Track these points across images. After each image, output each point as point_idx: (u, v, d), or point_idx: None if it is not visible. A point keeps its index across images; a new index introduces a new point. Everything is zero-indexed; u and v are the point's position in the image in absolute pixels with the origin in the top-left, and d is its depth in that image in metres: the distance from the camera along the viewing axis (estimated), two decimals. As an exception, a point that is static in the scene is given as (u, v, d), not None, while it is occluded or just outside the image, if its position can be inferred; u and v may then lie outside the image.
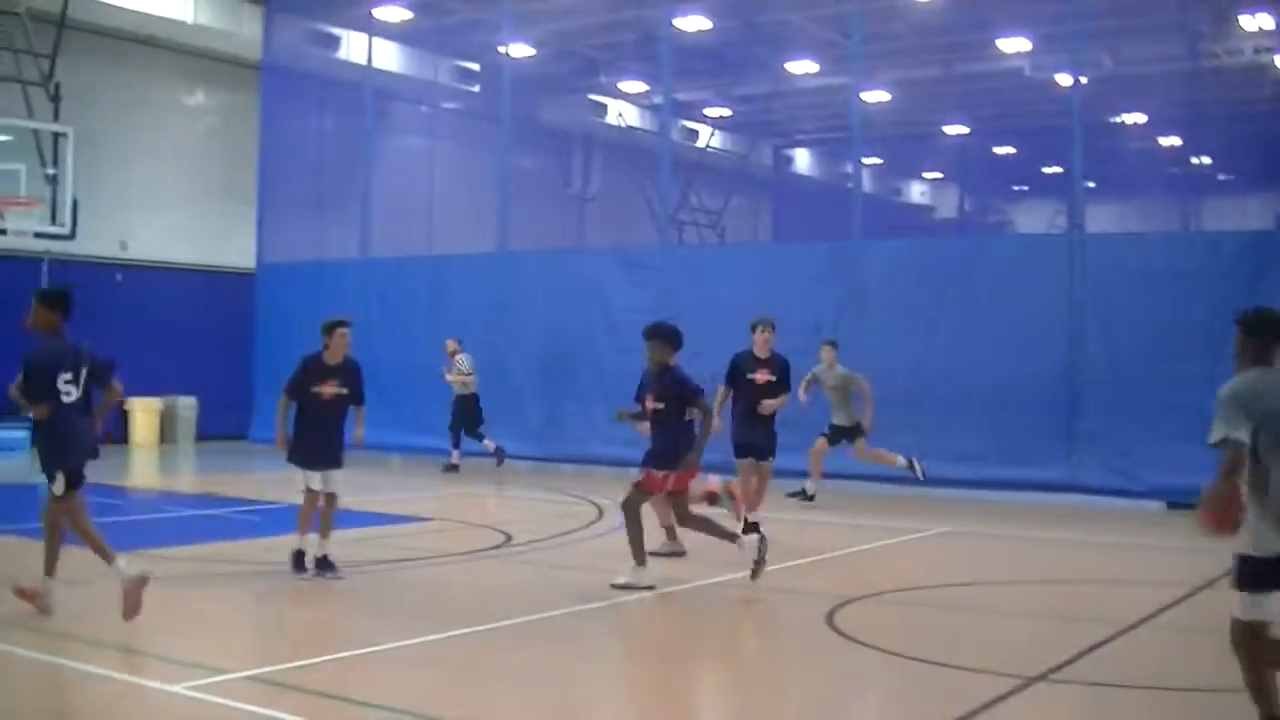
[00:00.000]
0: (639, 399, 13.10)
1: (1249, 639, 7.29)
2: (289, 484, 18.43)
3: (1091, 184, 27.83)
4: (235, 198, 32.33)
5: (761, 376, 15.93)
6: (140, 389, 30.10)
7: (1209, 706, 8.64)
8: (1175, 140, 37.63)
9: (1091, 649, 10.09)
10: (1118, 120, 37.01)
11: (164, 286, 31.10)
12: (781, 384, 16.04)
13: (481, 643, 10.28)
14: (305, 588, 12.60)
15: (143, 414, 30.11)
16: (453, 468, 23.96)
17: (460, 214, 31.26)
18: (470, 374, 23.83)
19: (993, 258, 22.45)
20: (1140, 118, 37.20)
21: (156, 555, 13.97)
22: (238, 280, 31.17)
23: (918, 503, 20.26)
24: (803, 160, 47.25)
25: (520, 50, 31.14)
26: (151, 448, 29.68)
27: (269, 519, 17.30)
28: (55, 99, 23.62)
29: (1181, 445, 19.59)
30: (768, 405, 15.82)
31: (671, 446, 12.62)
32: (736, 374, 15.89)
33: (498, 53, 29.83)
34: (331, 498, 12.96)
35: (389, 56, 32.24)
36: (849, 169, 28.29)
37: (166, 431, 30.45)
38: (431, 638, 10.28)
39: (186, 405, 30.75)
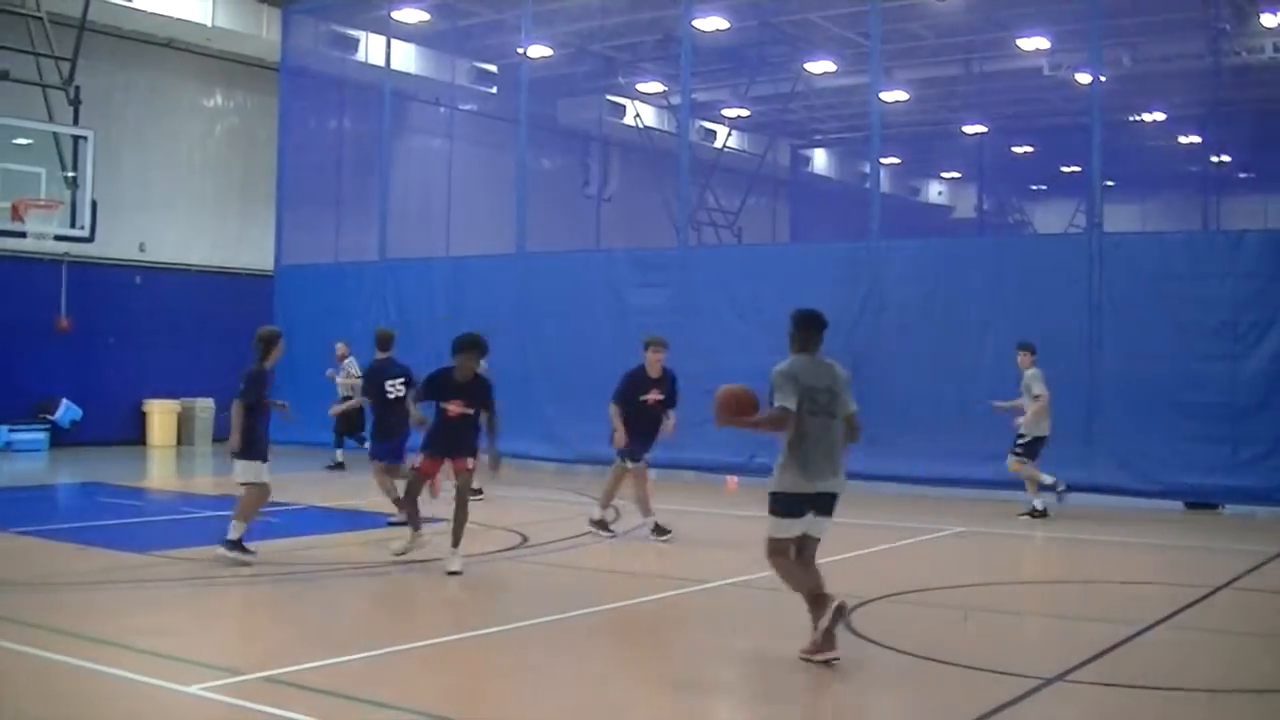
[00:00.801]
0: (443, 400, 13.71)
1: (775, 552, 9.85)
2: (307, 486, 18.53)
3: (1110, 183, 27.75)
4: (253, 200, 32.42)
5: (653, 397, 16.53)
6: (158, 390, 30.24)
7: (1227, 707, 8.61)
8: (1195, 138, 37.45)
9: (1109, 649, 10.06)
10: (1137, 119, 36.88)
11: (182, 288, 31.18)
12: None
13: (498, 644, 10.29)
14: (321, 589, 12.63)
15: (160, 415, 30.19)
16: (338, 465, 24.48)
17: (478, 215, 31.28)
18: (359, 378, 23.73)
19: (1011, 257, 22.38)
20: (1160, 116, 37.07)
21: (175, 556, 14.02)
22: (256, 282, 31.23)
23: (933, 503, 20.24)
24: (820, 160, 47.20)
25: (538, 51, 31.16)
26: (168, 449, 29.75)
27: (287, 520, 17.32)
28: (75, 102, 23.65)
29: (1200, 446, 19.62)
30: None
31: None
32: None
33: (516, 54, 29.85)
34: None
35: (407, 58, 32.27)
36: (867, 169, 28.24)
37: (183, 433, 30.52)
38: (448, 639, 10.29)
39: (204, 407, 30.81)
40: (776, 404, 9.75)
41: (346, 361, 24.14)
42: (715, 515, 19.30)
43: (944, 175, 50.71)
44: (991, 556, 15.95)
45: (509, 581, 13.42)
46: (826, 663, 9.32)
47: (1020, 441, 18.50)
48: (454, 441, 13.56)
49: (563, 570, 14.11)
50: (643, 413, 16.28)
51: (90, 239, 23.93)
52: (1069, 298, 20.81)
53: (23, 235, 22.94)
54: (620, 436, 16.15)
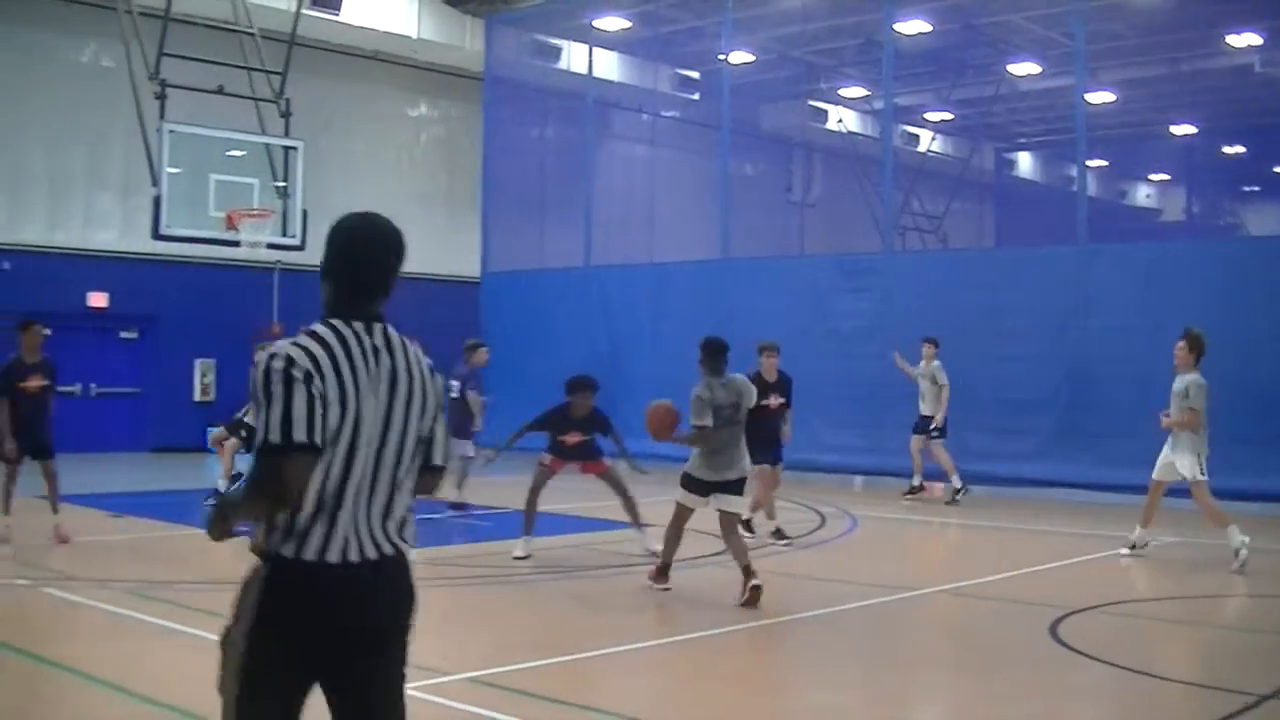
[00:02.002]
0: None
1: (679, 516, 12.58)
2: (516, 489, 18.71)
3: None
4: (459, 207, 32.85)
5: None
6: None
7: None
8: None
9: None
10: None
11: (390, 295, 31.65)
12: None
13: (701, 648, 10.30)
14: (526, 592, 12.75)
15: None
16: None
17: (681, 221, 31.36)
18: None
19: (1221, 261, 21.83)
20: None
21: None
22: (461, 288, 31.62)
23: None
24: (1025, 163, 46.57)
25: (740, 57, 31.16)
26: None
27: (496, 523, 17.51)
28: (286, 114, 24.09)
29: None
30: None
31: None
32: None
33: (717, 60, 29.89)
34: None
35: (609, 66, 32.47)
36: (1073, 172, 27.74)
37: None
38: (651, 643, 10.33)
39: (412, 412, 31.24)
40: (694, 424, 12.22)
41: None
42: (922, 523, 19.10)
43: (1152, 177, 49.68)
44: (1208, 567, 15.56)
45: (711, 586, 13.42)
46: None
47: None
48: (576, 453, 15.04)
49: (769, 577, 14.05)
50: (763, 418, 16.23)
51: (301, 247, 24.35)
52: (1281, 302, 20.26)
53: (237, 244, 23.43)
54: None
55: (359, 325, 4.46)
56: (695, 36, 32.39)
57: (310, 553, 4.23)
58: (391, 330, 4.57)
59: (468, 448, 19.04)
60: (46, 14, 27.33)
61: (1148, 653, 10.51)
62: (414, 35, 30.38)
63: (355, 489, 4.29)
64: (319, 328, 4.42)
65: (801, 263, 28.04)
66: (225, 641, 4.39)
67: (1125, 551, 15.56)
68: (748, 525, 16.26)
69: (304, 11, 25.44)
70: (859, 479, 24.58)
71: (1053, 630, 10.69)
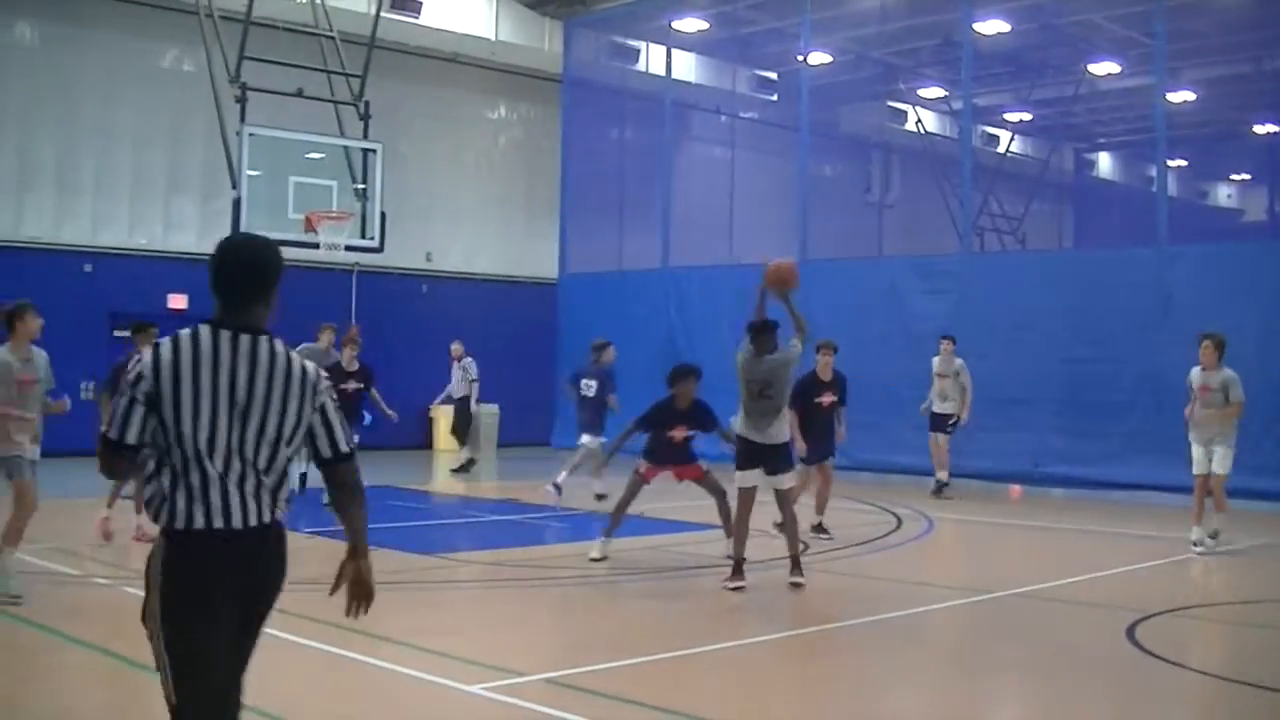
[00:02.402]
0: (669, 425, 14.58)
1: (744, 502, 12.70)
2: (589, 490, 18.72)
3: None
4: (537, 209, 32.95)
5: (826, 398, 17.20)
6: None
7: None
8: None
9: None
10: None
11: (467, 296, 31.82)
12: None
13: (776, 650, 10.26)
14: (603, 593, 12.76)
15: (446, 420, 30.79)
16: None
17: (759, 223, 31.29)
18: (476, 379, 24.15)
19: (1304, 261, 21.61)
20: None
21: (460, 559, 14.31)
22: (539, 290, 31.73)
23: (1230, 516, 19.57)
24: (1105, 164, 46.19)
25: (818, 58, 31.06)
26: (454, 454, 30.34)
27: (573, 525, 17.53)
28: (365, 117, 24.27)
29: None
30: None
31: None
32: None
33: (795, 61, 29.82)
34: None
35: (687, 67, 32.48)
36: (1153, 172, 27.48)
37: (470, 437, 31.08)
38: (726, 645, 10.30)
39: (489, 413, 31.35)
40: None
41: (466, 361, 24.34)
42: (999, 525, 18.97)
43: (1234, 177, 49.12)
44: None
45: (787, 589, 13.38)
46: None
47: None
48: (675, 455, 14.71)
49: (844, 578, 14.01)
50: (816, 415, 16.33)
51: (380, 249, 24.52)
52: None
53: (316, 246, 23.58)
54: (800, 444, 16.17)
55: (226, 334, 5.14)
56: (773, 38, 32.33)
57: (181, 521, 5.00)
58: (264, 339, 5.18)
59: (596, 441, 19.51)
60: (130, 19, 27.61)
61: (1228, 657, 10.39)
62: (493, 37, 30.51)
63: (221, 471, 5.03)
64: (183, 334, 5.20)
65: (879, 264, 27.92)
66: (148, 588, 5.13)
67: (1197, 550, 15.75)
68: (821, 528, 16.51)
69: (383, 14, 25.61)
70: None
71: (1130, 634, 10.58)
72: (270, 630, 9.69)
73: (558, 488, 19.13)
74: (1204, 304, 21.13)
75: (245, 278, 5.26)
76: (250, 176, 22.45)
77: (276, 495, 5.21)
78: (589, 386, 19.86)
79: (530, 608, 12.11)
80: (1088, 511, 18.67)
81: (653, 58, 31.15)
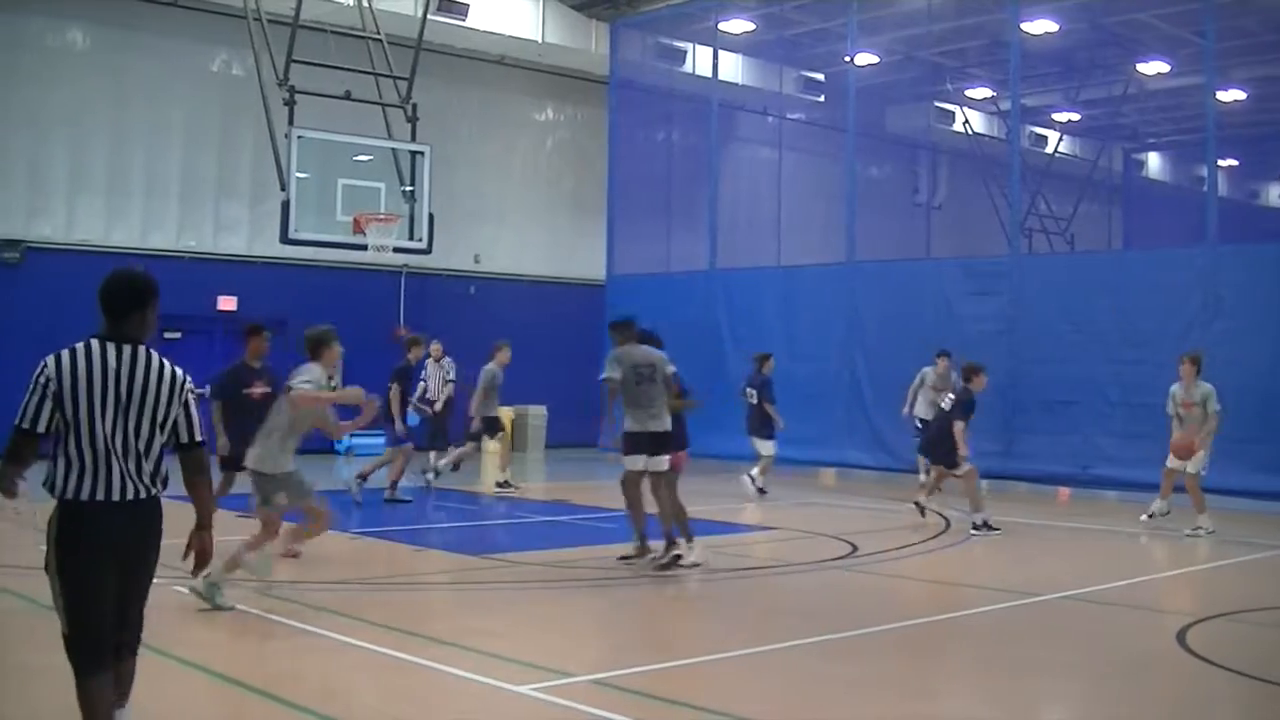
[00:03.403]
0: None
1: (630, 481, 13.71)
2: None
3: None
4: (584, 210, 32.98)
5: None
6: (493, 398, 31.02)
7: None
8: None
9: None
10: None
11: (515, 298, 31.89)
12: None
13: (824, 653, 10.24)
14: (650, 594, 12.76)
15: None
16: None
17: (806, 224, 31.23)
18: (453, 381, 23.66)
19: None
20: None
21: (508, 560, 14.33)
22: (587, 291, 31.75)
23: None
24: (1154, 164, 45.92)
25: (865, 59, 30.99)
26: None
27: (621, 526, 17.52)
28: (412, 119, 24.31)
29: None
30: None
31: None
32: None
33: (842, 62, 29.75)
34: None
35: (734, 68, 32.45)
36: (1203, 172, 27.29)
37: (517, 439, 31.15)
38: (775, 646, 10.28)
39: (537, 414, 31.43)
40: (606, 375, 13.82)
41: (446, 361, 23.93)
42: (1047, 527, 18.89)
43: (1285, 178, 48.82)
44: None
45: (837, 590, 13.36)
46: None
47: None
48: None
49: (891, 580, 13.98)
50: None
51: (428, 251, 24.55)
52: None
53: (364, 248, 23.65)
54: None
55: (111, 345, 6.44)
56: (820, 39, 32.26)
57: (72, 493, 6.31)
58: (141, 349, 6.50)
59: (768, 446, 21.71)
60: (180, 23, 27.82)
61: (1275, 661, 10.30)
62: (539, 39, 30.59)
63: (105, 454, 6.30)
64: (79, 345, 6.41)
65: (927, 266, 27.80)
66: (48, 545, 6.40)
67: (1144, 518, 17.68)
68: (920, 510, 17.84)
69: (430, 17, 25.66)
70: (984, 483, 24.35)
71: (1180, 638, 10.51)
72: (320, 631, 9.76)
73: (756, 486, 21.33)
74: (1254, 305, 21.04)
75: (125, 301, 6.58)
76: (299, 179, 22.52)
77: (155, 475, 6.48)
78: (750, 395, 21.59)
79: (578, 609, 12.13)
80: (1137, 514, 18.55)
81: (699, 59, 31.12)
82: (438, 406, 22.72)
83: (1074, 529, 18.50)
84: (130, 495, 6.37)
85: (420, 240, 24.07)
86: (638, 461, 13.76)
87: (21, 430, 6.30)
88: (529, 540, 17.14)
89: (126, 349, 6.47)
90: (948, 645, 10.79)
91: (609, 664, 9.47)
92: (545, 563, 14.32)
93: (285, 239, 22.96)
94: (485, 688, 8.63)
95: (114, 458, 6.32)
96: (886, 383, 24.72)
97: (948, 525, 18.05)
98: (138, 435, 6.38)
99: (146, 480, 6.44)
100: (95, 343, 6.44)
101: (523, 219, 32.99)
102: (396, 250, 24.11)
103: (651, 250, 30.13)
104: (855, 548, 15.61)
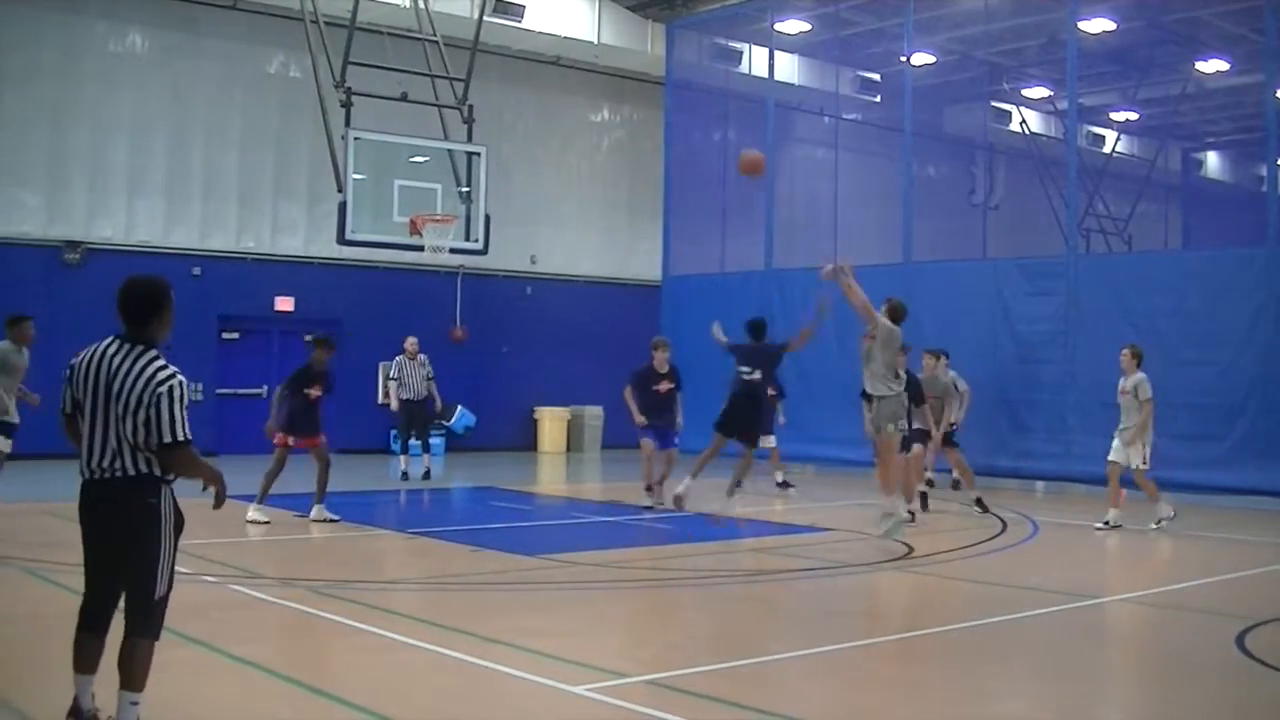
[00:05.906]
0: None
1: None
2: (698, 494, 18.70)
3: None
4: (640, 211, 33.02)
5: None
6: (548, 398, 31.07)
7: None
8: None
9: None
10: None
11: (571, 298, 31.96)
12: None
13: (880, 655, 10.21)
14: (707, 595, 12.75)
15: (550, 422, 30.98)
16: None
17: (863, 225, 31.13)
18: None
19: None
20: None
21: (563, 560, 14.34)
22: (643, 292, 31.76)
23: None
24: (1213, 163, 45.57)
25: (921, 59, 30.90)
26: (559, 455, 30.46)
27: (677, 526, 17.53)
28: (469, 120, 24.38)
29: None
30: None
31: None
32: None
33: (898, 62, 29.66)
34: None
35: (790, 69, 32.38)
36: (1263, 171, 27.07)
37: (573, 439, 31.23)
38: (830, 648, 10.25)
39: (593, 415, 31.48)
40: None
41: (422, 357, 23.85)
42: (1105, 529, 18.75)
43: (1347, 177, 48.35)
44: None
45: (894, 592, 13.32)
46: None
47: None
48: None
49: (949, 582, 13.93)
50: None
51: (484, 251, 24.61)
52: None
53: (420, 249, 23.73)
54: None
55: (117, 344, 7.15)
56: (876, 39, 32.17)
57: (79, 470, 7.13)
58: (140, 347, 7.09)
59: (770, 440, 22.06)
60: (239, 26, 28.04)
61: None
62: (595, 40, 30.64)
63: (89, 438, 7.07)
64: (96, 344, 7.22)
65: (984, 266, 27.64)
66: None
67: (1098, 526, 17.87)
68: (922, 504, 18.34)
69: (486, 18, 25.75)
70: (1040, 484, 24.26)
71: (1239, 641, 10.42)
72: (376, 630, 9.81)
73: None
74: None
75: (133, 307, 7.21)
76: (355, 180, 22.64)
77: (135, 457, 7.01)
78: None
79: (632, 609, 12.14)
80: (1195, 516, 18.43)
81: (755, 60, 31.07)
82: (403, 397, 23.65)
83: (1132, 531, 18.35)
84: (108, 475, 7.04)
85: (476, 241, 24.14)
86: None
87: (63, 414, 7.26)
88: (584, 540, 17.14)
89: (127, 347, 7.14)
90: (1005, 648, 10.72)
91: (665, 665, 9.45)
92: (600, 563, 14.32)
93: (342, 240, 23.10)
94: (540, 688, 8.63)
95: (95, 442, 7.05)
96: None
97: (1004, 527, 17.96)
98: (121, 421, 6.98)
99: (126, 461, 7.03)
100: (108, 340, 7.21)
101: (579, 220, 33.06)
102: (453, 251, 24.20)
103: (708, 250, 30.08)
104: (911, 549, 15.55)
